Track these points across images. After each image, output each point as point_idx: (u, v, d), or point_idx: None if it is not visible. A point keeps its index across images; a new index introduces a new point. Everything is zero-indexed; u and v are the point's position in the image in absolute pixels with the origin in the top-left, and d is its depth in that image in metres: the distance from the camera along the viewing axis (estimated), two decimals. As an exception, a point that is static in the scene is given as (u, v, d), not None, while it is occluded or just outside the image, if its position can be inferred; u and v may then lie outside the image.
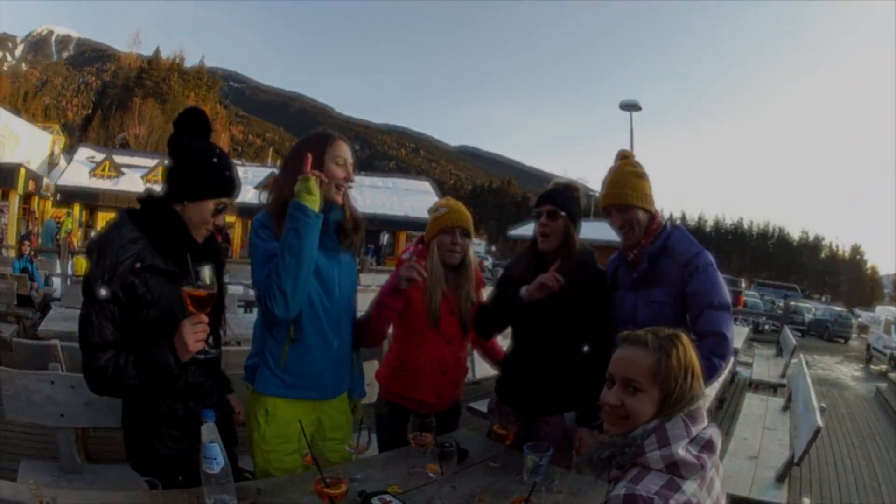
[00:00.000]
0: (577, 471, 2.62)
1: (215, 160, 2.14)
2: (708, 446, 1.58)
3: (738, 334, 10.75)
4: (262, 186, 33.92)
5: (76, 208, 33.43)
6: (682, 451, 1.53)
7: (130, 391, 2.04)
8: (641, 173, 2.70)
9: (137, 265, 1.98)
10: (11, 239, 22.47)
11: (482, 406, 4.73)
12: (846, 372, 15.86)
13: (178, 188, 2.12)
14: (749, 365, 9.81)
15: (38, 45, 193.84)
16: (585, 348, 2.75)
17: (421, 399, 2.71)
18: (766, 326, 22.09)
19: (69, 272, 11.65)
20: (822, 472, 6.25)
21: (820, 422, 3.81)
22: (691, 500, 1.49)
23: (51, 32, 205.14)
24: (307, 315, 2.36)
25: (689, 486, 1.51)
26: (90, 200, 34.45)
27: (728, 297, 2.59)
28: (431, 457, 2.27)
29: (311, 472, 1.99)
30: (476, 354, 4.11)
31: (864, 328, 26.00)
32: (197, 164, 2.11)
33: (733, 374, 9.52)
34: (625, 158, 2.76)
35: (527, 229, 37.76)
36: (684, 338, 1.68)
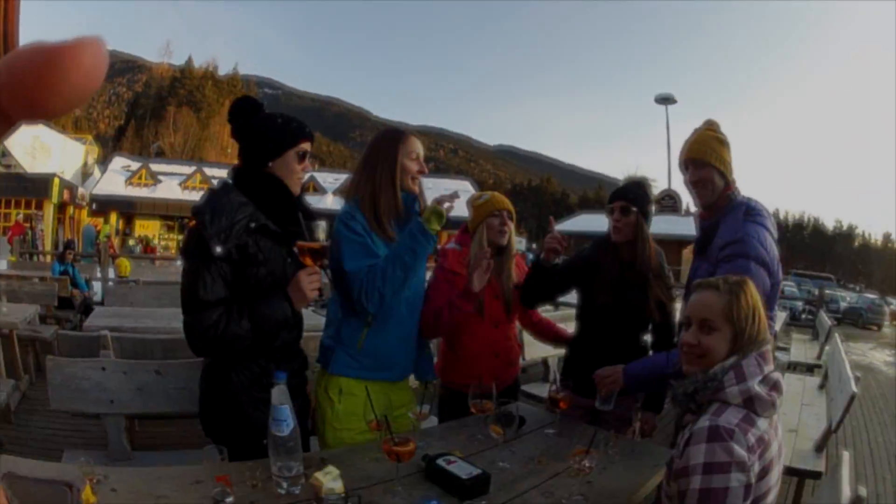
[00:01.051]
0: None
1: (279, 119, 2.29)
2: (776, 387, 1.73)
3: (777, 319, 10.65)
4: (337, 192, 34.34)
5: (113, 216, 33.94)
6: (757, 386, 1.68)
7: (237, 347, 2.13)
8: (724, 140, 2.70)
9: (252, 225, 2.13)
10: (48, 246, 22.94)
11: (533, 389, 4.89)
12: (879, 357, 15.66)
13: (257, 156, 2.26)
14: (787, 350, 9.77)
15: None
16: (647, 338, 2.95)
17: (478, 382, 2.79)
18: (803, 315, 21.91)
19: (111, 275, 11.89)
20: (856, 447, 6.25)
21: (854, 388, 3.85)
22: (763, 436, 1.63)
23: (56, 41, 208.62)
24: (388, 301, 2.45)
25: (762, 423, 1.66)
26: (127, 208, 35.07)
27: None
28: (493, 420, 2.35)
29: (374, 442, 2.18)
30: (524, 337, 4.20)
31: (895, 315, 25.63)
32: (265, 127, 2.26)
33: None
34: (710, 125, 2.77)
35: (569, 224, 37.58)
36: (750, 283, 1.84)
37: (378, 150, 2.51)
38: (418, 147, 2.54)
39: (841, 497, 2.05)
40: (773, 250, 2.55)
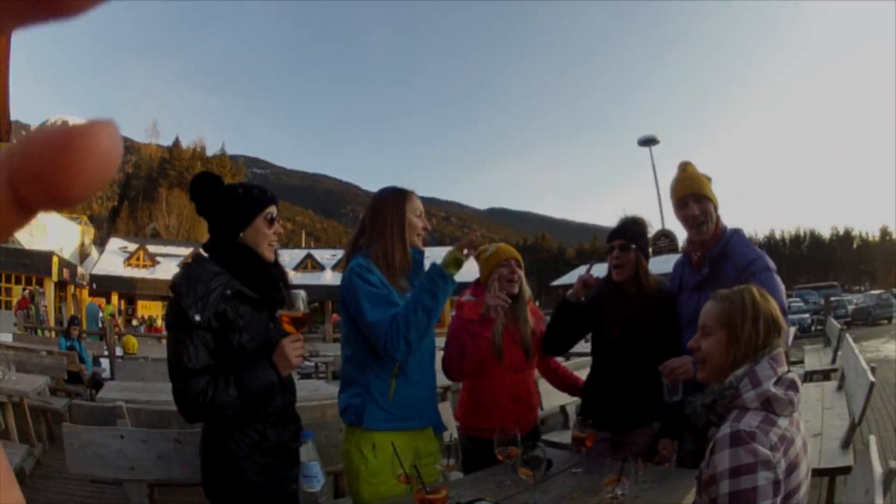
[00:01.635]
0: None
1: (240, 189, 2.34)
2: (793, 386, 1.75)
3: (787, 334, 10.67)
4: (339, 267, 34.70)
5: (114, 297, 34.02)
6: (773, 388, 1.71)
7: (227, 414, 2.15)
8: (708, 177, 2.86)
9: (228, 292, 2.16)
10: (51, 321, 22.96)
11: (553, 437, 4.91)
12: (893, 349, 15.62)
13: (226, 227, 2.30)
14: (801, 362, 9.76)
15: None
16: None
17: (500, 428, 2.80)
18: (813, 327, 21.91)
19: (119, 352, 11.87)
20: (883, 437, 6.19)
21: (872, 377, 3.91)
22: (786, 434, 1.66)
23: (66, 123, 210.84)
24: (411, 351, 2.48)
25: (783, 422, 1.68)
26: (127, 289, 35.25)
27: (785, 301, 2.64)
28: (521, 463, 2.36)
29: (407, 495, 2.20)
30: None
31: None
32: (229, 197, 2.31)
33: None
34: (688, 164, 2.92)
35: (570, 278, 37.84)
36: (755, 290, 1.90)
37: (386, 207, 2.59)
38: (421, 205, 2.64)
39: (874, 477, 2.07)
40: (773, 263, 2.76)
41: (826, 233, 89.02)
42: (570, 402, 5.12)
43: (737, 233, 2.85)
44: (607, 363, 3.10)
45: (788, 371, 1.81)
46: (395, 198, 2.60)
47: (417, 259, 2.59)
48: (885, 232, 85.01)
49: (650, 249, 3.06)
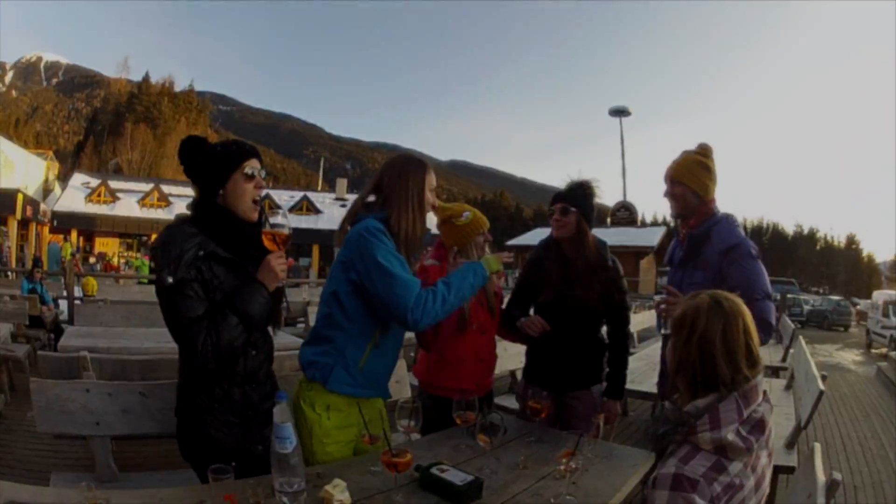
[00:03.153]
0: (605, 439, 2.83)
1: (218, 147, 2.32)
2: (759, 426, 1.69)
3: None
4: (294, 210, 34.62)
5: (73, 234, 33.51)
6: (731, 435, 1.63)
7: (237, 346, 2.18)
8: (706, 164, 2.94)
9: (200, 253, 2.14)
10: (13, 263, 22.63)
11: (502, 401, 4.95)
12: (847, 357, 15.95)
13: (207, 185, 2.29)
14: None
15: (27, 71, 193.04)
16: (604, 330, 3.14)
17: (462, 388, 2.85)
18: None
19: (79, 293, 11.73)
20: (828, 443, 6.47)
21: (822, 386, 3.99)
22: (734, 482, 1.61)
23: (40, 59, 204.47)
24: (395, 325, 2.53)
25: (735, 467, 1.63)
26: (87, 226, 34.65)
27: (768, 286, 2.81)
28: (480, 430, 2.42)
29: (364, 456, 2.33)
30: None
31: (862, 315, 26.08)
32: (207, 156, 2.29)
33: None
34: (701, 149, 3.00)
35: (523, 239, 38.04)
36: (711, 302, 1.77)
37: (408, 176, 2.53)
38: (434, 181, 2.61)
39: (816, 484, 2.15)
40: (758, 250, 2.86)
41: (790, 229, 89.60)
42: (520, 367, 5.16)
43: (726, 218, 2.94)
44: (548, 321, 3.15)
45: (759, 404, 1.74)
46: (419, 169, 2.55)
47: (428, 239, 2.61)
48: (851, 239, 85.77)
49: (608, 219, 3.17)
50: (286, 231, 2.26)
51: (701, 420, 1.67)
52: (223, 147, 2.32)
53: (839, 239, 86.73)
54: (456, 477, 2.07)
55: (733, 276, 2.74)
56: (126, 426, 3.00)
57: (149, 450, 4.67)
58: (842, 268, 79.77)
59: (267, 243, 2.24)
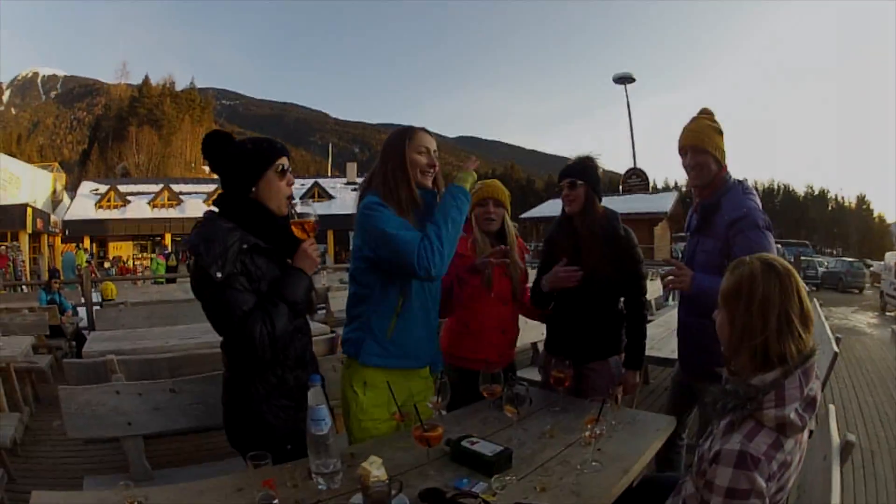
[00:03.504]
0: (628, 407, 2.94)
1: (249, 144, 2.37)
2: (812, 404, 1.72)
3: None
4: (306, 198, 34.50)
5: (86, 241, 33.76)
6: (793, 413, 1.67)
7: (288, 332, 2.28)
8: (719, 129, 2.97)
9: (244, 246, 2.20)
10: (28, 276, 22.83)
11: (524, 374, 4.99)
12: (862, 320, 15.86)
13: (239, 184, 2.34)
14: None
15: (24, 88, 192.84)
16: (621, 304, 3.17)
17: (485, 358, 2.96)
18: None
19: (97, 299, 11.79)
20: (845, 407, 6.37)
21: (836, 348, 3.98)
22: (787, 459, 1.67)
23: (36, 74, 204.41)
24: (415, 289, 2.60)
25: (789, 444, 1.68)
26: (99, 232, 34.94)
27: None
28: (506, 401, 2.47)
29: (399, 434, 2.41)
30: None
31: (877, 277, 25.86)
32: (240, 153, 2.34)
33: None
34: (708, 114, 3.03)
35: (537, 211, 37.91)
36: (762, 263, 1.79)
37: (388, 147, 2.62)
38: (427, 141, 2.63)
39: (831, 445, 2.17)
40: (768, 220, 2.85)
41: (801, 191, 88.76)
42: (541, 339, 5.24)
43: (737, 185, 2.96)
44: (561, 296, 3.24)
45: (814, 383, 1.75)
46: (397, 138, 2.63)
47: (428, 201, 2.61)
48: (861, 199, 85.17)
49: (620, 187, 3.20)
50: (313, 218, 2.34)
51: (767, 396, 1.70)
52: (255, 145, 2.37)
53: (850, 199, 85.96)
54: (486, 448, 2.14)
55: (738, 246, 2.77)
56: (158, 424, 3.07)
57: (178, 446, 4.76)
58: (853, 228, 79.01)
59: (297, 232, 2.32)
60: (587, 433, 2.22)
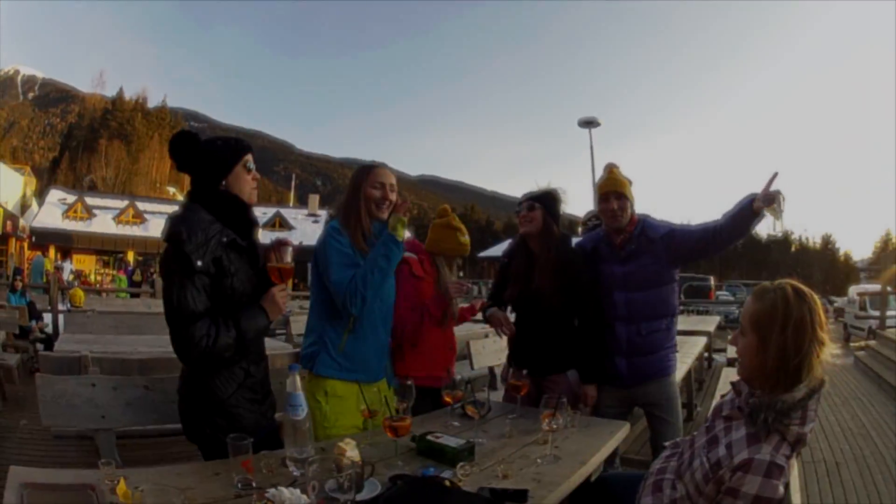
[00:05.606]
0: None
1: (219, 141, 2.54)
2: (811, 421, 1.87)
3: (710, 322, 11.26)
4: (267, 226, 34.48)
5: (51, 250, 33.24)
6: (809, 432, 1.85)
7: (223, 357, 2.35)
8: (629, 180, 3.44)
9: (224, 240, 2.36)
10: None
11: (481, 396, 5.13)
12: (826, 352, 16.08)
13: (209, 178, 2.48)
14: (723, 350, 10.27)
15: (5, 84, 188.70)
16: (576, 321, 3.39)
17: (436, 375, 3.19)
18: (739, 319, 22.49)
19: (65, 306, 11.68)
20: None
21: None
22: (787, 470, 1.81)
23: (17, 72, 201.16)
24: (366, 310, 2.80)
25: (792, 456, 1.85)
26: (64, 242, 34.31)
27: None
28: (469, 403, 2.70)
29: (364, 432, 2.59)
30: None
31: (840, 312, 26.36)
32: (209, 149, 2.51)
33: (710, 360, 10.22)
34: (614, 166, 3.46)
35: (495, 250, 38.75)
36: (791, 289, 1.89)
37: (351, 181, 2.99)
38: (383, 177, 2.93)
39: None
40: None
41: (763, 233, 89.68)
42: (498, 364, 5.48)
43: (646, 218, 3.47)
44: (519, 313, 3.53)
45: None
46: (358, 173, 2.96)
47: (378, 229, 2.88)
48: (827, 240, 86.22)
49: (579, 228, 3.49)
50: (290, 265, 2.47)
51: (795, 414, 1.82)
52: (224, 141, 2.54)
53: (814, 240, 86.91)
54: (450, 441, 2.31)
55: (676, 238, 3.34)
56: (130, 419, 3.12)
57: (147, 451, 4.77)
58: (816, 268, 79.82)
59: (273, 278, 2.47)
60: (545, 426, 2.41)
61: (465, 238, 3.55)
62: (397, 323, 3.20)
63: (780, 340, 1.84)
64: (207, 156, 2.48)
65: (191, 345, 2.25)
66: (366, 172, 2.94)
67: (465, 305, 3.76)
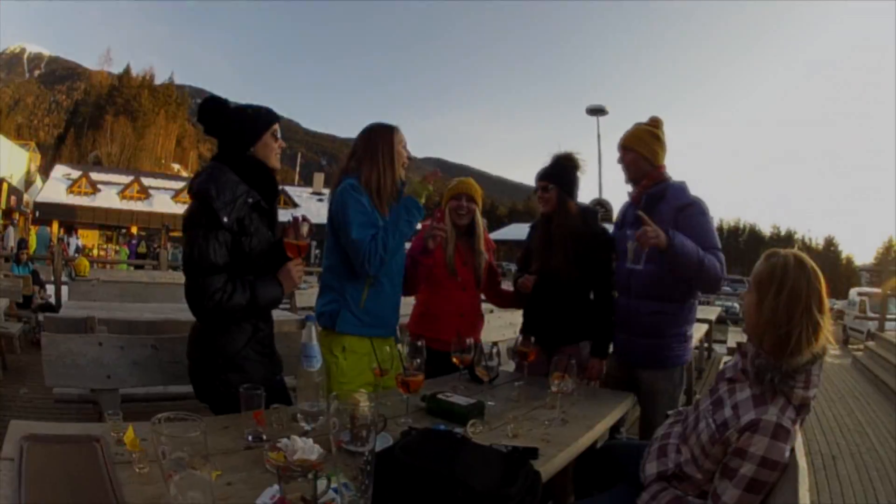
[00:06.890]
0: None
1: (249, 109, 2.58)
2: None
3: (711, 311, 11.43)
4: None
5: (55, 225, 33.27)
6: (813, 398, 1.89)
7: (234, 316, 2.40)
8: (656, 134, 3.26)
9: (250, 200, 2.42)
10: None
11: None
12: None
13: (238, 144, 2.53)
14: (723, 342, 10.32)
15: (11, 62, 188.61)
16: (592, 295, 3.38)
17: (444, 339, 3.08)
18: (740, 314, 22.48)
19: (69, 277, 11.70)
20: (806, 420, 6.69)
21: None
22: (794, 431, 1.84)
23: (23, 50, 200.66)
24: (385, 265, 2.80)
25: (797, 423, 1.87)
26: (68, 217, 34.34)
27: (718, 240, 3.08)
28: (478, 364, 2.68)
29: (376, 392, 2.62)
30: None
31: (840, 314, 26.39)
32: (240, 118, 2.54)
33: (709, 350, 10.32)
34: (652, 121, 3.33)
35: (499, 234, 38.68)
36: (796, 259, 1.93)
37: (377, 137, 2.89)
38: (404, 138, 2.94)
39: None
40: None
41: (767, 231, 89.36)
42: (503, 339, 5.54)
43: (680, 183, 3.22)
44: (537, 291, 3.46)
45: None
46: (386, 130, 2.91)
47: (399, 188, 2.89)
48: (829, 242, 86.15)
49: (575, 180, 3.40)
50: (307, 241, 2.54)
51: (799, 377, 1.86)
52: (254, 110, 2.58)
53: (817, 241, 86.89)
54: (460, 400, 2.33)
55: (687, 228, 2.98)
56: (137, 379, 3.08)
57: (152, 415, 4.76)
58: (820, 270, 79.62)
59: (290, 252, 2.51)
60: (553, 388, 2.46)
61: (451, 184, 3.62)
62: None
63: (773, 304, 1.88)
64: (238, 122, 2.53)
65: (205, 296, 2.29)
66: (392, 130, 2.92)
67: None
